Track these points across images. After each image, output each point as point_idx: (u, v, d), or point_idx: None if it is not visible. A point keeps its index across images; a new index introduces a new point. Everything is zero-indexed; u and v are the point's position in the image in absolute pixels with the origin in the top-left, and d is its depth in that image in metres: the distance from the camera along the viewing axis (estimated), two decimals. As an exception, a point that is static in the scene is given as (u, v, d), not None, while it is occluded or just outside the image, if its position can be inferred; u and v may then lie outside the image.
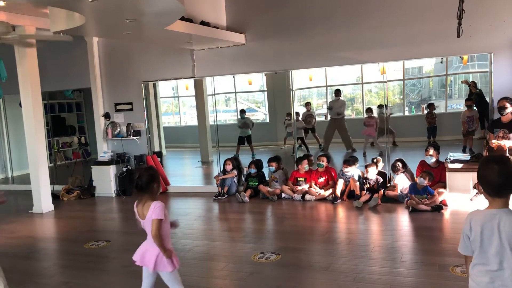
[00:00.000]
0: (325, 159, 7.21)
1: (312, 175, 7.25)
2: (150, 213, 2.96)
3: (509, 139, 5.78)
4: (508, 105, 5.91)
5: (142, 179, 2.99)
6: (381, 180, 6.68)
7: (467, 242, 2.14)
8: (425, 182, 6.03)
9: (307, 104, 11.10)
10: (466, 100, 8.89)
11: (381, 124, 9.40)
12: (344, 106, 10.57)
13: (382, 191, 6.59)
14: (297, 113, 10.57)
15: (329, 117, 10.75)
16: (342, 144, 10.29)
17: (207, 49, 8.04)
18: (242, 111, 11.02)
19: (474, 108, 8.66)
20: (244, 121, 10.68)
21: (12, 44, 6.21)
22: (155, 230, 2.93)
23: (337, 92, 10.36)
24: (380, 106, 10.31)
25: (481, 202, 5.18)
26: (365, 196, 6.55)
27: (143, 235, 3.10)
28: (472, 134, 8.52)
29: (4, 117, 10.52)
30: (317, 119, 11.71)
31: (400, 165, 6.64)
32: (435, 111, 10.04)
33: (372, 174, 6.70)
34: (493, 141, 5.85)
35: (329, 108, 10.60)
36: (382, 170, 6.96)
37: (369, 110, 10.04)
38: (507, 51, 6.40)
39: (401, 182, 6.52)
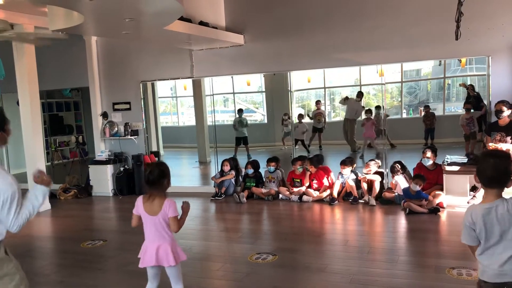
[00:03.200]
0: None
1: (307, 177, 7.23)
2: (165, 210, 2.95)
3: (506, 142, 5.79)
4: (505, 108, 5.90)
5: (153, 174, 2.95)
6: (379, 178, 6.74)
7: (471, 233, 2.33)
8: (418, 187, 6.05)
9: (318, 102, 11.02)
10: (465, 103, 8.91)
11: (378, 125, 9.40)
12: (360, 110, 10.47)
13: (378, 190, 6.63)
14: (301, 115, 10.56)
15: (332, 118, 10.75)
16: (341, 146, 10.28)
17: (205, 49, 8.03)
18: (240, 110, 11.04)
19: (472, 110, 8.69)
20: (240, 120, 10.72)
21: (11, 41, 6.19)
22: (175, 226, 2.98)
23: (359, 94, 10.35)
24: (377, 107, 10.33)
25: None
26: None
27: (141, 233, 3.08)
28: (474, 137, 8.50)
29: (2, 116, 10.49)
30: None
31: (399, 167, 6.63)
32: (434, 113, 10.06)
33: (373, 169, 6.81)
34: (490, 144, 5.86)
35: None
36: (380, 170, 7.00)
37: (368, 111, 10.00)
38: (505, 54, 6.42)
39: (401, 182, 6.50)
